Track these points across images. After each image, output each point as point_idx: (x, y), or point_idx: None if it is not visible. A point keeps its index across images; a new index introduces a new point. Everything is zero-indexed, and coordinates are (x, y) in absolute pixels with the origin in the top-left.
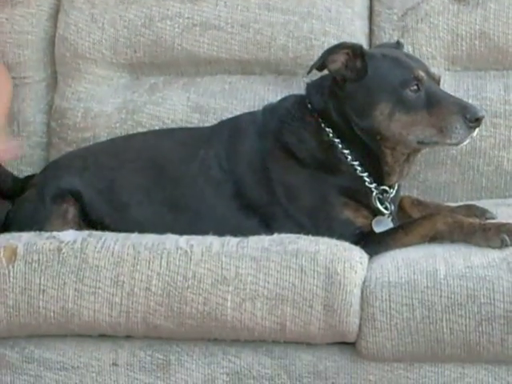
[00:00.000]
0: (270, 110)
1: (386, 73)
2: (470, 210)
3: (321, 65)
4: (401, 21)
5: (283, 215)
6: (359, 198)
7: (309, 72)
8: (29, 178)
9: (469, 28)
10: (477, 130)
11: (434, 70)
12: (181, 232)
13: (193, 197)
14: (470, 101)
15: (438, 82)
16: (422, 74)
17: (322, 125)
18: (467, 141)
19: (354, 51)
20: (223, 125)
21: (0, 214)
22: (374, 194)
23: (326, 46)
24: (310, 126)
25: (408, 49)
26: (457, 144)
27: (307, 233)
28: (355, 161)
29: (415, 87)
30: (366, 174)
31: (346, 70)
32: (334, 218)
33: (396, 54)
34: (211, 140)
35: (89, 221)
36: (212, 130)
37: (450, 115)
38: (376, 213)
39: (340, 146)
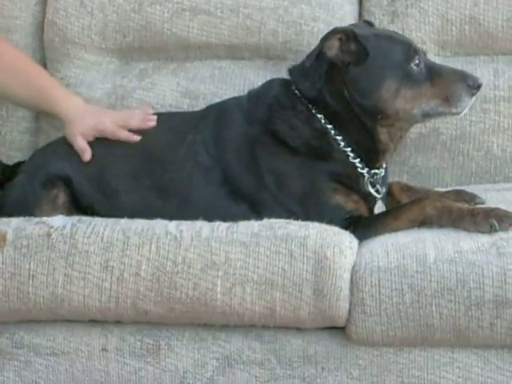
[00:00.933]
0: (255, 96)
1: (387, 51)
2: (460, 195)
3: (318, 54)
4: (391, 6)
5: (273, 202)
6: (350, 183)
7: (310, 64)
8: (18, 164)
9: (459, 13)
10: (474, 98)
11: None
12: (170, 218)
13: (181, 182)
14: None
15: (425, 55)
16: (417, 47)
17: (314, 111)
18: (467, 109)
19: (347, 35)
20: (210, 110)
21: None
22: (366, 178)
23: (316, 31)
24: (301, 114)
25: None
26: (459, 113)
27: (297, 218)
28: (348, 147)
29: (417, 61)
30: (357, 160)
31: (343, 55)
32: (324, 202)
33: (386, 32)
34: (199, 125)
35: (79, 206)
36: (200, 114)
37: (455, 84)
38: (367, 197)
39: (333, 132)
